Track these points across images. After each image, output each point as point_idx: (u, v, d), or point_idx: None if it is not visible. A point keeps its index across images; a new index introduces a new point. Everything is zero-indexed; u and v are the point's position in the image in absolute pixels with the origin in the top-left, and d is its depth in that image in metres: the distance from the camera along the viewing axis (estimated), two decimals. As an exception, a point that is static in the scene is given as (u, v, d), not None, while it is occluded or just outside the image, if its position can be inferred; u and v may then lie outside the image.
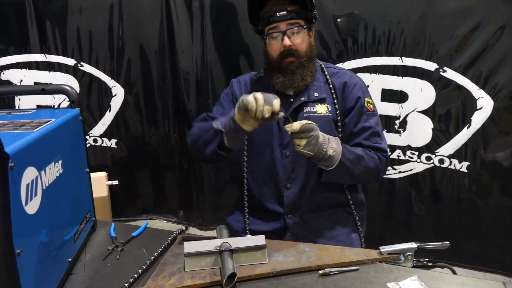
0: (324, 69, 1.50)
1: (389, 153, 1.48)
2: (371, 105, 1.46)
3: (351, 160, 1.32)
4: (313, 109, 1.42)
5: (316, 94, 1.43)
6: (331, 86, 1.45)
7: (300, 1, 1.38)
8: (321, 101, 1.43)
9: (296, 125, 1.20)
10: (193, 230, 2.88)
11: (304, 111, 1.43)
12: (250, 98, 1.17)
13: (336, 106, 1.43)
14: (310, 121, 1.22)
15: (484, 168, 2.19)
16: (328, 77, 1.47)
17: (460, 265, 2.34)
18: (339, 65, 2.26)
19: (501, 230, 2.24)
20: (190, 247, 1.04)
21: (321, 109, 1.43)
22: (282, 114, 1.18)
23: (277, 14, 1.35)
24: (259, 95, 1.17)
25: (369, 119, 1.43)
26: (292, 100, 1.44)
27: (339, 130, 1.42)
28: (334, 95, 1.43)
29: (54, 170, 0.97)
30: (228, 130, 1.28)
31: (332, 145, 1.27)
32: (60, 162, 1.01)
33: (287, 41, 1.36)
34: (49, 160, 0.95)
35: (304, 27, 1.39)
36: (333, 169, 1.30)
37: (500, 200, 2.21)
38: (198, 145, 1.43)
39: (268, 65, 1.46)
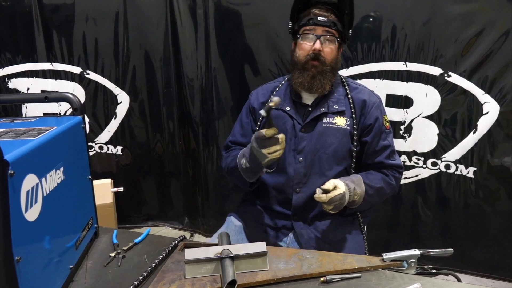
0: (345, 83, 1.56)
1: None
2: (387, 123, 1.55)
3: (371, 195, 1.44)
4: (332, 120, 1.49)
5: (336, 106, 1.50)
6: (350, 100, 1.51)
7: (341, 17, 1.46)
8: (341, 113, 1.50)
9: (324, 198, 1.30)
10: (198, 237, 2.88)
11: (324, 121, 1.49)
12: (272, 157, 1.28)
13: (354, 121, 1.49)
14: (338, 190, 1.31)
15: (491, 173, 2.17)
16: (348, 91, 1.53)
17: (468, 272, 2.31)
18: (343, 71, 2.26)
19: (509, 237, 2.20)
20: (190, 254, 1.04)
21: (340, 121, 1.49)
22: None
23: (318, 18, 1.42)
24: (267, 150, 1.27)
25: (388, 137, 1.53)
26: (310, 109, 1.51)
27: (355, 143, 1.49)
28: (353, 110, 1.50)
29: (55, 177, 0.97)
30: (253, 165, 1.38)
31: (357, 192, 1.37)
32: (62, 169, 1.02)
33: (318, 45, 1.42)
34: (50, 167, 0.95)
35: (338, 39, 1.45)
36: (355, 207, 1.44)
37: (508, 206, 2.18)
38: (234, 181, 1.63)
39: (292, 65, 1.52)
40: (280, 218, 1.53)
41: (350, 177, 1.43)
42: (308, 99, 1.53)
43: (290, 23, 1.53)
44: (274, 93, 1.59)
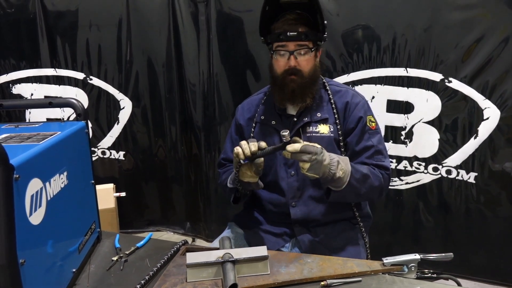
0: (328, 87, 1.51)
1: (391, 171, 1.51)
2: (373, 124, 1.47)
3: (358, 180, 1.33)
4: (316, 129, 1.45)
5: (318, 114, 1.46)
6: (333, 106, 1.47)
7: (312, 22, 1.41)
8: (324, 121, 1.46)
9: (297, 145, 1.20)
10: (199, 242, 2.89)
11: (307, 131, 1.45)
12: (235, 149, 1.28)
13: (338, 127, 1.45)
14: (314, 144, 1.22)
15: (492, 178, 2.17)
16: (331, 96, 1.49)
17: (470, 277, 2.30)
18: (345, 76, 2.28)
19: (511, 242, 2.20)
20: (192, 258, 1.05)
21: (324, 129, 1.45)
22: (264, 144, 1.26)
23: (288, 33, 1.37)
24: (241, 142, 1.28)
25: (372, 138, 1.45)
26: (296, 119, 1.47)
27: (342, 150, 1.45)
28: (336, 115, 1.46)
29: (59, 182, 0.99)
30: (238, 185, 1.39)
31: (342, 167, 1.27)
32: (65, 173, 1.03)
33: (292, 62, 1.39)
34: (54, 172, 0.97)
35: (312, 49, 1.41)
36: (341, 189, 1.31)
37: (509, 211, 2.17)
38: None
39: (271, 79, 1.49)
40: (281, 226, 1.51)
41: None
42: (292, 109, 1.49)
43: (261, 37, 1.47)
44: (260, 105, 1.56)
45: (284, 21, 1.40)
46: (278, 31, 1.40)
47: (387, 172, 1.44)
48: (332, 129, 1.45)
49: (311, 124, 1.45)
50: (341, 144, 1.44)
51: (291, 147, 1.20)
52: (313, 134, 1.44)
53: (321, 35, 1.43)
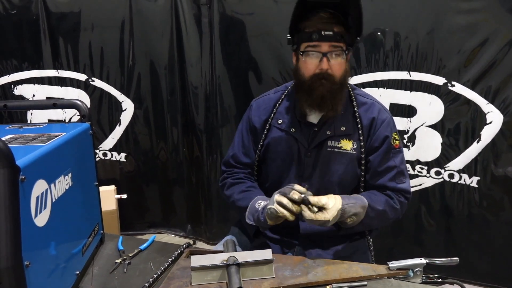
0: (353, 97, 1.40)
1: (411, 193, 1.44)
2: (397, 142, 1.40)
3: (372, 218, 1.30)
4: (338, 144, 1.35)
5: (343, 128, 1.36)
6: (358, 120, 1.37)
7: (346, 23, 1.27)
8: (347, 136, 1.36)
9: (307, 215, 1.15)
10: (200, 244, 2.88)
11: (328, 145, 1.36)
12: (276, 208, 1.16)
13: (362, 144, 1.35)
14: (324, 214, 1.14)
15: (495, 183, 2.16)
16: (356, 108, 1.38)
17: (472, 282, 2.29)
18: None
19: (513, 247, 2.20)
20: (197, 261, 1.05)
21: (346, 145, 1.35)
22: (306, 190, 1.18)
23: (322, 33, 1.23)
24: (281, 198, 1.17)
25: (394, 158, 1.38)
26: (316, 129, 1.36)
27: (362, 167, 1.37)
28: (360, 131, 1.36)
29: (63, 183, 0.98)
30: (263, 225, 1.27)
31: (354, 214, 1.22)
32: (70, 175, 1.03)
33: (325, 64, 1.25)
34: (59, 173, 0.96)
35: (346, 52, 1.28)
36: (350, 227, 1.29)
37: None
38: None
39: (297, 83, 1.37)
40: (286, 236, 1.44)
41: (356, 199, 1.27)
42: (314, 117, 1.37)
43: (289, 36, 1.33)
44: (277, 106, 1.44)
45: (317, 19, 1.25)
46: (310, 29, 1.25)
47: (407, 195, 1.39)
48: (355, 146, 1.35)
49: (334, 137, 1.35)
50: (363, 162, 1.36)
51: (307, 215, 1.15)
52: (335, 150, 1.35)
53: (355, 39, 1.30)
